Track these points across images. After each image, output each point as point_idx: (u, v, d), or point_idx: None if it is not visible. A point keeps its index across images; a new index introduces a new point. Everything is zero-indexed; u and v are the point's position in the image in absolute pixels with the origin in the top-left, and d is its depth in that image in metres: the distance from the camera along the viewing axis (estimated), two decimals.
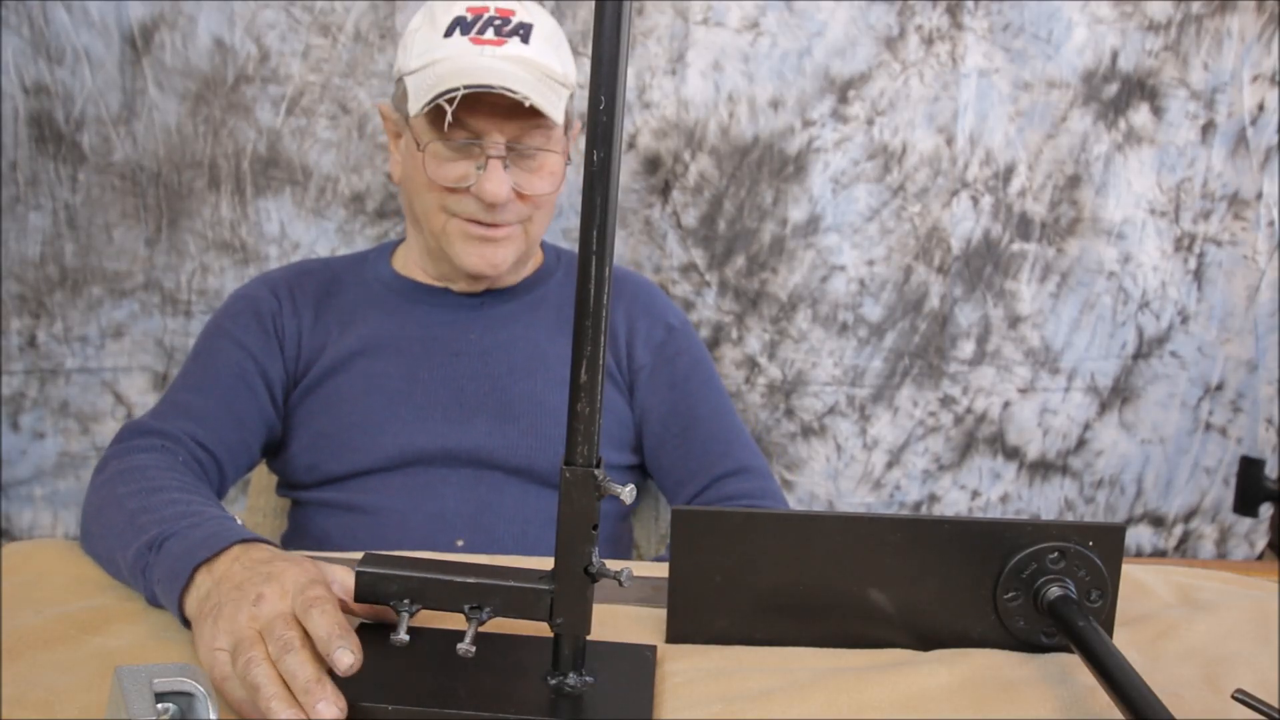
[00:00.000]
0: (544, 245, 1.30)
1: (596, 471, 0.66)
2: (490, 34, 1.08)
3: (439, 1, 1.13)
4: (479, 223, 1.11)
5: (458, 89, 1.04)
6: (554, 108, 1.08)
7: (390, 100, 1.21)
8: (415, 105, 1.08)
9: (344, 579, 0.76)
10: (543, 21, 1.13)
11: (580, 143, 1.26)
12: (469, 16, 1.09)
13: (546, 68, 1.09)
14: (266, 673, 0.65)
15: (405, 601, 0.69)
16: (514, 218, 1.12)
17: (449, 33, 1.09)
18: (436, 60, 1.07)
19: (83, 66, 1.49)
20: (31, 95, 1.50)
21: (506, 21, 1.10)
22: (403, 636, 0.66)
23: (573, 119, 1.19)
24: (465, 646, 0.66)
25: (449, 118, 1.04)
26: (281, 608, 0.69)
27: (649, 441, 1.22)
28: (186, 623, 0.75)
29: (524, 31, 1.09)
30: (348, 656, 0.65)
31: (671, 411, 1.21)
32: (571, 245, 1.55)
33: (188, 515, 0.83)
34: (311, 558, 0.78)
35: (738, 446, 1.20)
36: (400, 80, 1.13)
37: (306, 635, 0.67)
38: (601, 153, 0.62)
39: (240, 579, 0.73)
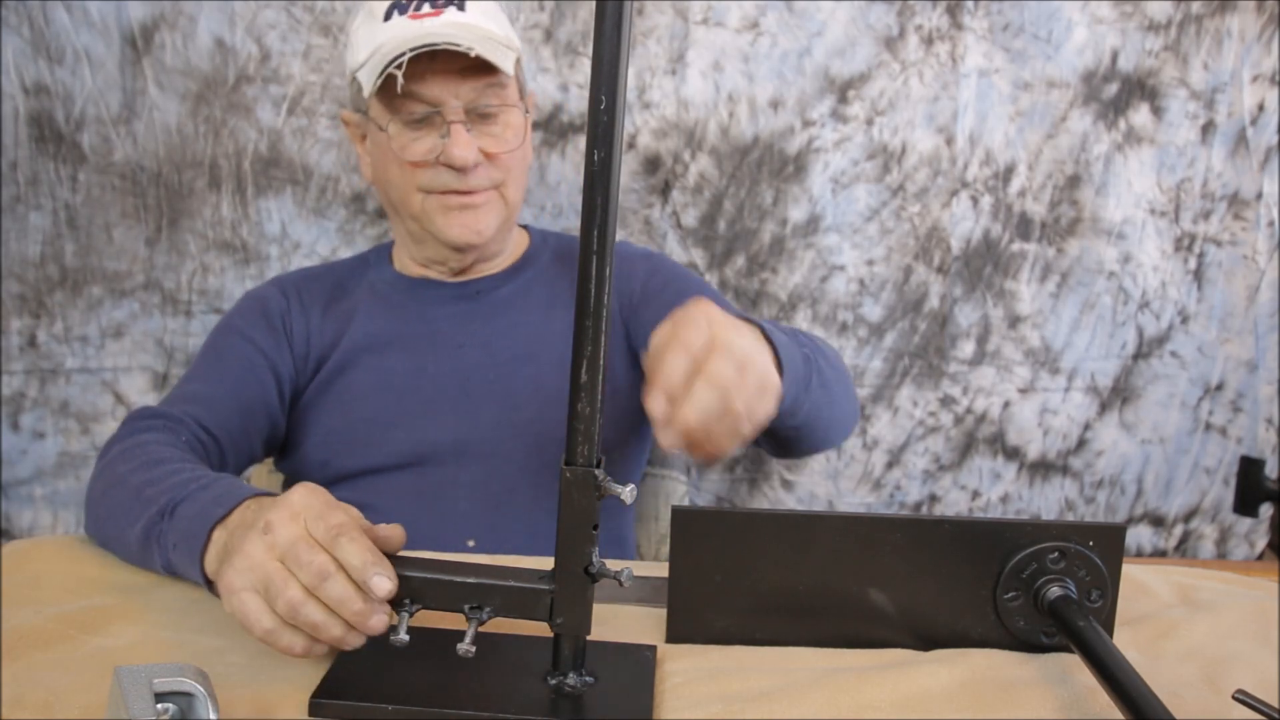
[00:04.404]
0: (530, 230, 1.32)
1: (596, 471, 0.67)
2: (426, 8, 1.12)
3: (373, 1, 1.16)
4: (455, 192, 1.13)
5: (404, 53, 1.06)
6: (502, 59, 1.10)
7: (349, 105, 1.23)
8: (369, 88, 1.10)
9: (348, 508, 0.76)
10: None
11: (580, 140, 1.26)
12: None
13: (486, 30, 1.12)
14: (317, 609, 0.66)
15: (405, 601, 0.69)
16: (487, 181, 1.14)
17: (388, 17, 1.12)
18: (381, 44, 1.10)
19: (83, 66, 1.49)
20: (31, 95, 1.50)
21: None
22: (403, 636, 0.66)
23: (524, 86, 1.20)
24: (465, 646, 0.66)
25: (400, 84, 1.07)
26: (295, 530, 0.68)
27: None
28: (208, 583, 0.76)
29: (459, 1, 1.13)
30: (385, 583, 0.66)
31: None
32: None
33: (195, 480, 0.84)
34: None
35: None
36: (354, 79, 1.15)
37: (332, 556, 0.67)
38: (601, 153, 0.62)
39: (247, 519, 0.73)
